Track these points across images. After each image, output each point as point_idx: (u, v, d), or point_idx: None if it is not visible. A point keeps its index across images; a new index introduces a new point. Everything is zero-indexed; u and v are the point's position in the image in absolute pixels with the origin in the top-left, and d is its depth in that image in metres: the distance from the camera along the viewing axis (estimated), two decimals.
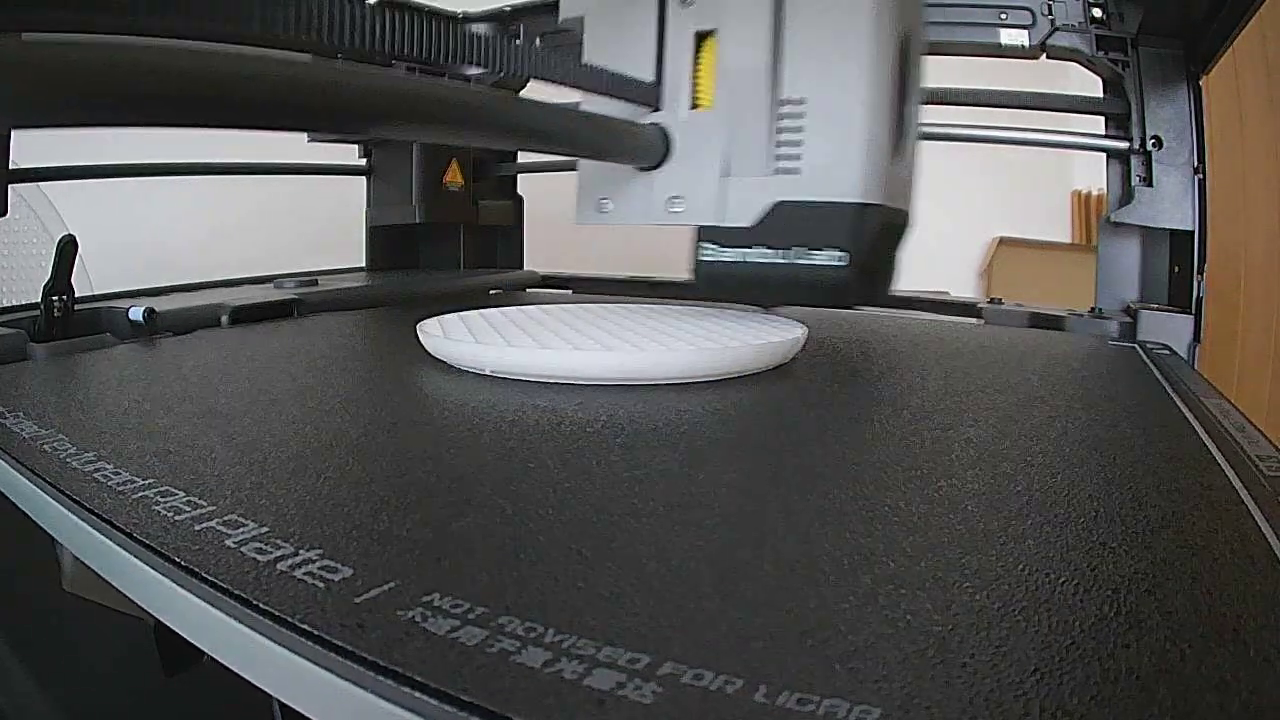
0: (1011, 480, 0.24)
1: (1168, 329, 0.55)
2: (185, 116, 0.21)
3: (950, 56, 0.64)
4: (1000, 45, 0.62)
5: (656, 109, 0.41)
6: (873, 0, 0.37)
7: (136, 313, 0.47)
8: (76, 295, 0.45)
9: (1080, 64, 0.61)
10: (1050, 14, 0.60)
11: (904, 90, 0.41)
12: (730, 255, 0.40)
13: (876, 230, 0.39)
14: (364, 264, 0.83)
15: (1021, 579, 0.17)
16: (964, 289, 1.88)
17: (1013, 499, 0.22)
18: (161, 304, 0.50)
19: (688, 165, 0.41)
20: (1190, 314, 0.55)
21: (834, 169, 0.38)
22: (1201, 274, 0.56)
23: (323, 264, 0.77)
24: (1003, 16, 0.61)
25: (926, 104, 0.66)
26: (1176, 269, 0.59)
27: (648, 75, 0.41)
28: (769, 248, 0.40)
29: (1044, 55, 0.61)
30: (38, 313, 0.43)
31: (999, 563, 0.18)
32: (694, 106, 0.41)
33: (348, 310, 0.60)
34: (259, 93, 0.21)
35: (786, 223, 0.39)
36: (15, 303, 0.50)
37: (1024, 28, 0.61)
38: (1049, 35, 0.60)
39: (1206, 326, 0.55)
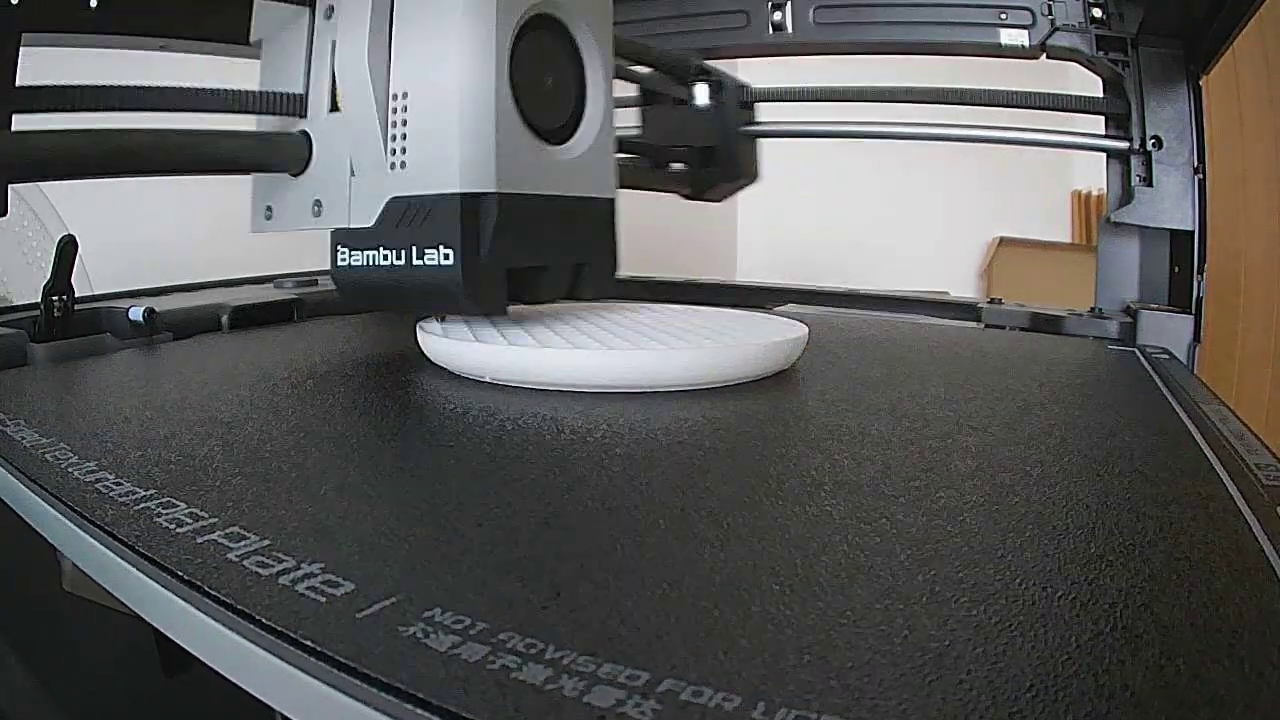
0: (1010, 491, 0.24)
1: (1168, 329, 0.55)
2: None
3: (950, 56, 0.64)
4: (1000, 45, 0.62)
5: (303, 117, 0.42)
6: None
7: (136, 313, 0.47)
8: (76, 295, 0.45)
9: (1080, 64, 0.61)
10: (1050, 14, 0.60)
11: (566, 71, 0.41)
12: (358, 259, 0.39)
13: (504, 223, 0.37)
14: None
15: (1018, 593, 0.17)
16: (964, 289, 1.87)
17: (1011, 510, 0.22)
18: (161, 304, 0.50)
19: (324, 168, 0.41)
20: (1190, 314, 0.55)
21: (436, 159, 0.37)
22: (1201, 274, 0.56)
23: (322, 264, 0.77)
24: (1003, 16, 0.61)
25: (927, 104, 0.66)
26: (1176, 269, 0.59)
27: (300, 87, 0.42)
28: (389, 249, 0.38)
29: (1044, 55, 0.61)
30: (38, 313, 0.43)
31: (996, 577, 0.18)
32: (333, 110, 0.41)
33: (348, 311, 0.60)
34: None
35: (400, 221, 0.38)
36: (15, 303, 0.50)
37: (1024, 28, 0.61)
38: (1049, 35, 0.60)
39: (1206, 326, 0.55)
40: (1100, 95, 0.62)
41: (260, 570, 0.18)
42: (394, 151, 0.38)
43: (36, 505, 0.23)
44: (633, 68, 0.64)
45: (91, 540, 0.20)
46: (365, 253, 0.39)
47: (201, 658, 0.17)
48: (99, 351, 0.44)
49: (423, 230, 0.37)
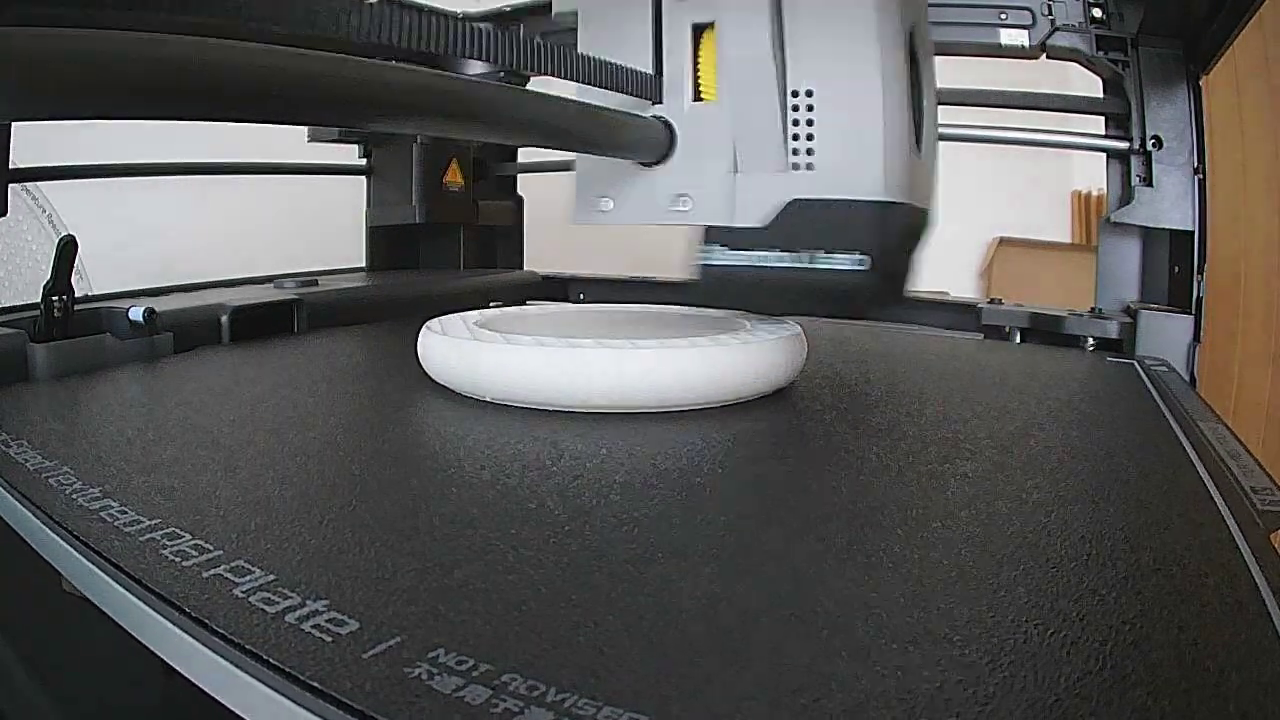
0: (1006, 521, 0.24)
1: (1168, 329, 0.55)
2: (184, 108, 0.20)
3: (950, 56, 0.64)
4: (1000, 45, 0.62)
5: (658, 102, 0.39)
6: None
7: (136, 313, 0.47)
8: (76, 295, 0.44)
9: (1080, 64, 0.61)
10: (1050, 14, 0.60)
11: (915, 82, 0.39)
12: (738, 258, 0.38)
13: (899, 231, 0.37)
14: (364, 264, 0.82)
15: (1011, 630, 0.17)
16: (964, 289, 1.87)
17: (1006, 541, 0.22)
18: (161, 304, 0.50)
19: (693, 160, 0.38)
20: (1190, 314, 0.55)
21: (853, 165, 0.35)
22: (1201, 274, 0.56)
23: (322, 264, 0.77)
24: (1003, 16, 0.61)
25: None
26: (1176, 269, 0.59)
27: (645, 68, 0.39)
28: (782, 250, 0.37)
29: (1044, 55, 0.61)
30: (38, 313, 0.43)
31: (989, 613, 0.18)
32: (697, 99, 0.39)
33: (348, 312, 0.60)
34: (260, 83, 0.21)
35: (802, 223, 0.36)
36: (16, 303, 0.50)
37: (1024, 28, 0.61)
38: (1049, 35, 0.60)
39: (1206, 326, 0.55)
40: (1100, 95, 0.62)
41: (266, 608, 0.18)
42: (795, 151, 0.36)
43: (42, 533, 0.23)
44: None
45: (99, 572, 0.20)
46: (752, 252, 0.37)
47: (210, 692, 0.17)
48: (99, 351, 0.44)
49: (832, 233, 0.36)
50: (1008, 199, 1.88)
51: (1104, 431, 0.35)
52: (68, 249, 0.43)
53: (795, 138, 0.36)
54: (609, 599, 0.19)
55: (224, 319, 0.52)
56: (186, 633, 0.17)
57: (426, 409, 0.37)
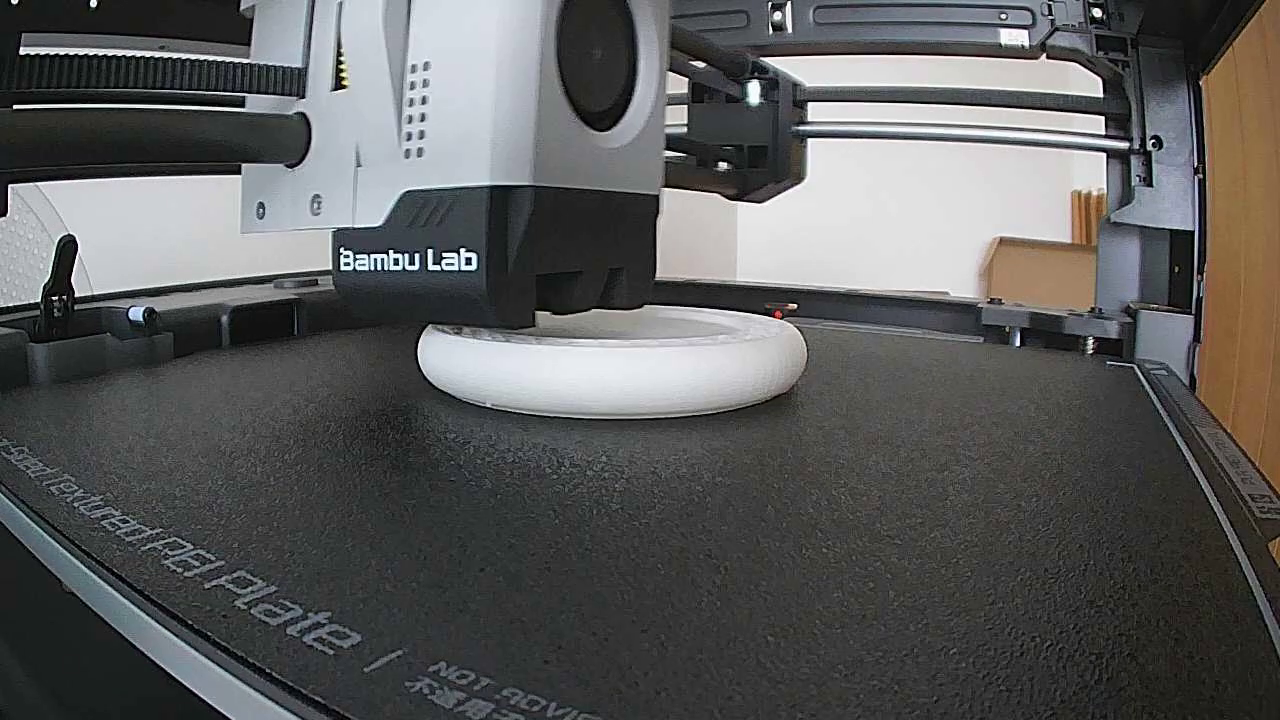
0: (1004, 530, 0.24)
1: (1168, 329, 0.55)
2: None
3: (950, 56, 0.64)
4: (1000, 45, 0.62)
5: (302, 96, 0.35)
6: None
7: (136, 313, 0.47)
8: (76, 295, 0.44)
9: (1080, 64, 0.61)
10: (1050, 14, 0.60)
11: (618, 47, 0.35)
12: (364, 263, 0.33)
13: (538, 222, 0.31)
14: None
15: (1007, 643, 0.17)
16: (964, 289, 1.88)
17: (1004, 551, 0.22)
18: (161, 304, 0.50)
19: (325, 157, 0.34)
20: (1190, 314, 0.55)
21: (462, 144, 0.30)
22: (1201, 274, 0.56)
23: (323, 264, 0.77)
24: (1003, 16, 0.61)
25: (927, 104, 0.66)
26: (1176, 269, 0.59)
27: (299, 60, 0.35)
28: (400, 252, 0.32)
29: (1044, 55, 0.61)
30: (38, 313, 0.43)
31: (986, 625, 0.18)
32: (338, 88, 0.34)
33: (347, 312, 0.60)
34: None
35: (416, 219, 0.32)
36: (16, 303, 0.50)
37: (1024, 28, 0.61)
38: (1049, 35, 0.60)
39: (1206, 326, 0.55)
40: (1100, 95, 0.62)
41: (268, 620, 0.18)
42: (409, 136, 0.32)
43: (44, 542, 0.23)
44: (688, 62, 0.63)
45: (101, 583, 0.20)
46: (373, 256, 0.33)
47: (212, 704, 0.17)
48: (99, 351, 0.44)
49: (441, 230, 0.31)
50: (1008, 199, 1.88)
51: (1103, 438, 0.35)
52: (68, 249, 0.43)
53: (410, 120, 0.32)
54: (609, 612, 0.19)
55: (224, 319, 0.52)
56: (189, 645, 0.17)
57: (427, 415, 0.37)
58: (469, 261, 0.31)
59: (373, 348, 0.54)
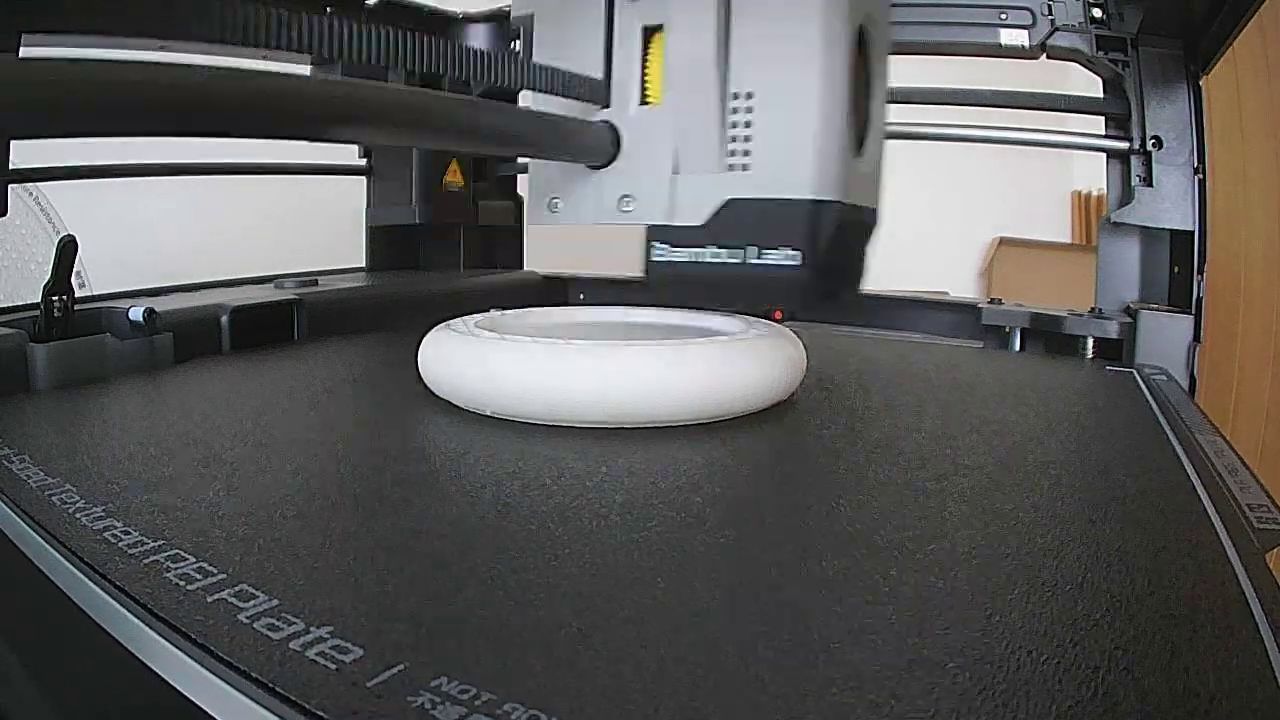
0: (1002, 542, 0.24)
1: (1168, 329, 0.55)
2: (148, 126, 0.22)
3: (950, 56, 0.64)
4: (1000, 45, 0.62)
5: (605, 106, 0.40)
6: None
7: (136, 313, 0.47)
8: (76, 295, 0.44)
9: (1080, 64, 0.61)
10: (1050, 14, 0.60)
11: (864, 83, 0.40)
12: (682, 255, 0.39)
13: (834, 229, 0.38)
14: (364, 264, 0.82)
15: (1004, 657, 0.17)
16: (964, 289, 1.88)
17: (1002, 564, 0.22)
18: (161, 304, 0.50)
19: (637, 163, 0.40)
20: (1190, 314, 0.55)
21: (785, 165, 0.37)
22: (1201, 274, 0.56)
23: (323, 264, 0.77)
24: (1003, 16, 0.61)
25: (927, 105, 0.66)
26: (1176, 269, 0.59)
27: (596, 72, 0.40)
28: (721, 247, 0.38)
29: (1044, 55, 0.61)
30: (38, 313, 0.43)
31: (983, 639, 0.18)
32: (643, 103, 0.40)
33: (348, 312, 0.60)
34: (213, 102, 0.23)
35: (739, 221, 0.38)
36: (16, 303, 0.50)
37: (1024, 28, 0.61)
38: (1049, 35, 0.60)
39: (1206, 326, 0.55)
40: (1100, 95, 0.62)
41: (271, 634, 0.18)
42: (733, 153, 0.38)
43: (46, 553, 0.23)
44: None
45: (104, 595, 0.20)
46: (693, 249, 0.39)
47: (217, 718, 0.17)
48: (99, 351, 0.44)
49: (767, 230, 0.37)
50: (1008, 199, 1.88)
51: (1102, 445, 0.36)
52: (68, 249, 0.43)
53: (733, 140, 0.38)
54: (610, 626, 0.19)
55: (224, 319, 0.52)
56: (193, 659, 0.18)
57: (427, 424, 0.37)
58: (793, 257, 0.37)
59: (373, 354, 0.54)
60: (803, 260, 0.37)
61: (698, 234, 0.39)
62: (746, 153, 0.37)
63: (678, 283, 0.40)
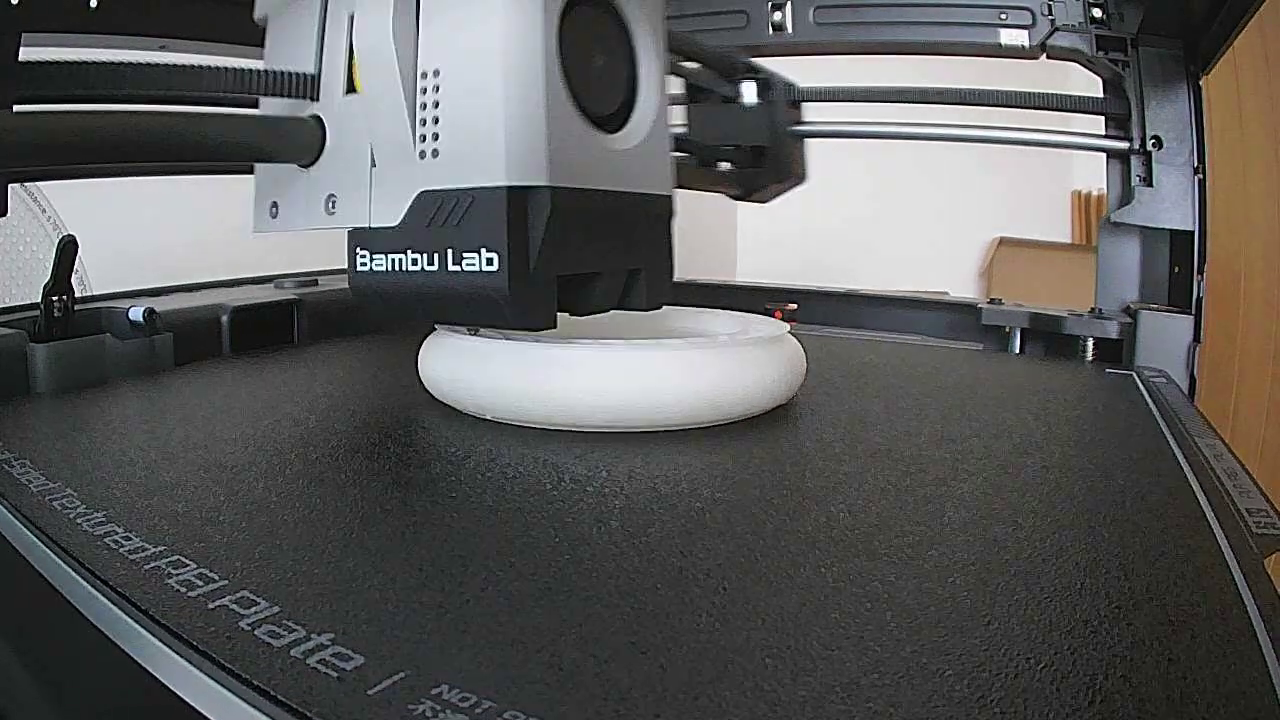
0: (1001, 548, 0.24)
1: (1168, 329, 0.55)
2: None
3: (950, 56, 0.64)
4: (1000, 45, 0.62)
5: (315, 100, 0.36)
6: None
7: (136, 313, 0.47)
8: (76, 295, 0.44)
9: (1080, 64, 0.61)
10: (1050, 14, 0.60)
11: (620, 49, 0.36)
12: (380, 263, 0.33)
13: (550, 222, 0.31)
14: None
15: (1002, 664, 0.17)
16: (964, 289, 1.87)
17: (1000, 570, 0.22)
18: (161, 304, 0.50)
19: (339, 158, 0.35)
20: (1190, 314, 0.55)
21: (476, 145, 0.31)
22: (1201, 274, 0.56)
23: (323, 264, 0.77)
24: (1003, 16, 0.61)
25: (927, 105, 0.66)
26: (1176, 269, 0.59)
27: (313, 67, 0.36)
28: (417, 252, 0.32)
29: (1044, 55, 0.61)
30: (38, 313, 0.43)
31: (982, 646, 0.18)
32: (349, 92, 0.35)
33: (348, 312, 0.60)
34: None
35: (433, 219, 0.32)
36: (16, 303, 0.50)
37: (1024, 28, 0.61)
38: (1049, 35, 0.60)
39: (1206, 326, 0.55)
40: (1100, 95, 0.62)
41: (272, 641, 0.18)
42: (423, 138, 0.32)
43: (48, 559, 0.23)
44: (679, 63, 0.63)
45: (105, 601, 0.20)
46: (390, 256, 0.33)
47: None
48: (99, 351, 0.44)
49: (460, 230, 0.31)
50: (1008, 199, 1.88)
51: (1101, 450, 0.36)
52: (68, 249, 0.43)
53: (424, 123, 0.32)
54: (609, 633, 0.19)
55: (224, 319, 0.52)
56: (194, 666, 0.18)
57: (427, 428, 0.37)
58: (490, 261, 0.31)
59: (373, 357, 0.54)
60: (500, 264, 0.31)
61: (393, 237, 0.33)
62: (436, 136, 0.32)
63: (380, 297, 0.34)
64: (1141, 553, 0.24)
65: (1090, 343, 0.57)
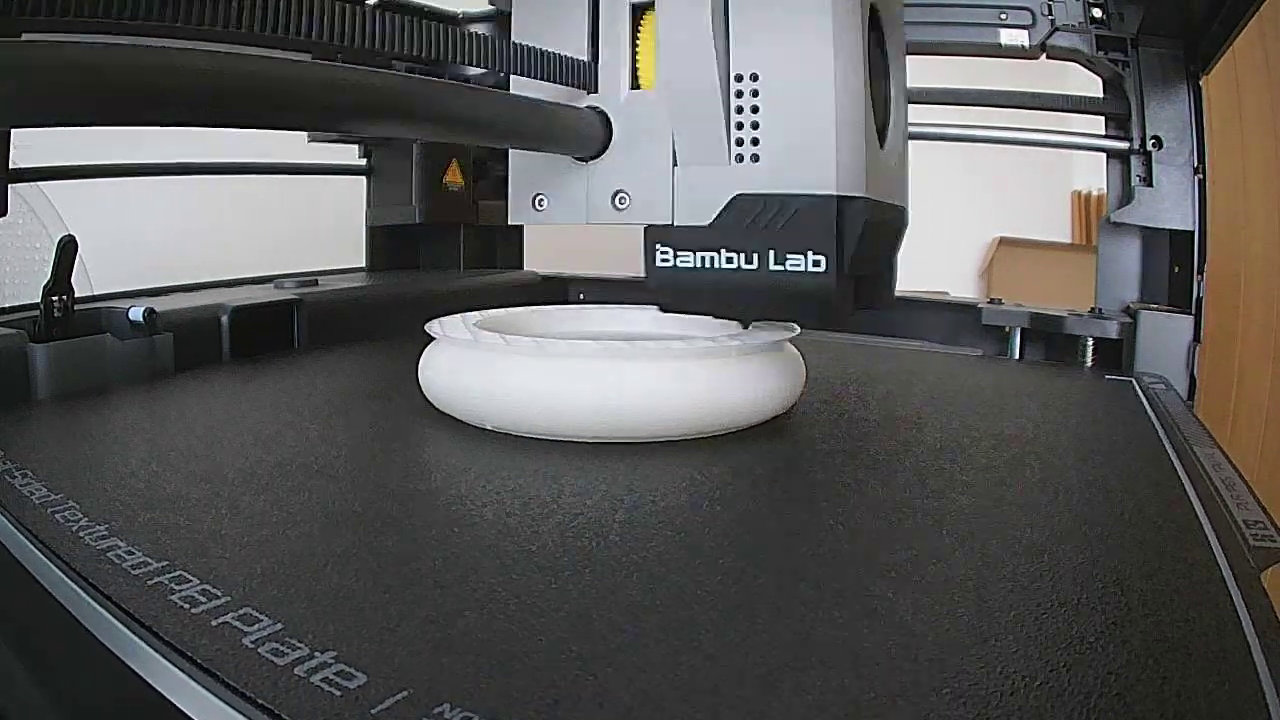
0: (999, 564, 0.24)
1: (1168, 329, 0.55)
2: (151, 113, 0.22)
3: (950, 56, 0.64)
4: (1000, 45, 0.62)
5: (593, 91, 0.36)
6: None
7: (136, 313, 0.47)
8: (76, 295, 0.44)
9: (1080, 64, 0.61)
10: (1050, 14, 0.60)
11: (881, 69, 0.36)
12: (688, 260, 0.35)
13: (863, 229, 0.33)
14: (364, 264, 0.82)
15: (998, 684, 0.17)
16: (964, 289, 1.87)
17: (998, 585, 0.22)
18: (161, 304, 0.50)
19: (632, 154, 0.36)
20: (1190, 314, 0.55)
21: (802, 155, 0.32)
22: (1201, 274, 0.56)
23: (323, 264, 0.77)
24: (1003, 16, 0.61)
25: (927, 104, 0.66)
26: (1176, 269, 0.59)
27: (582, 55, 0.36)
28: (733, 250, 0.34)
29: (1044, 55, 0.61)
30: (38, 313, 0.43)
31: (978, 664, 0.18)
32: (634, 87, 0.36)
33: (348, 312, 0.60)
34: (191, 87, 0.22)
35: (751, 220, 0.33)
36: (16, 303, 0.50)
37: (1024, 28, 0.61)
38: (1049, 35, 0.60)
39: (1206, 326, 0.55)
40: (1100, 95, 0.62)
41: (275, 659, 0.18)
42: (740, 142, 0.33)
43: (51, 573, 0.23)
44: None
45: (108, 616, 0.20)
46: (700, 254, 0.34)
47: None
48: (99, 351, 0.44)
49: (784, 233, 0.33)
50: (1008, 199, 1.88)
51: (1100, 460, 0.36)
52: (68, 249, 0.43)
53: (739, 126, 0.33)
54: (609, 650, 0.19)
55: (224, 319, 0.52)
56: (198, 683, 0.18)
57: (428, 439, 0.37)
58: (817, 264, 0.33)
59: (373, 366, 0.54)
60: (827, 267, 0.32)
61: (705, 236, 0.34)
62: (755, 141, 0.33)
63: (684, 292, 0.35)
64: (1138, 567, 0.24)
65: (1090, 342, 0.57)
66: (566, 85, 0.36)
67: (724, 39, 0.33)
